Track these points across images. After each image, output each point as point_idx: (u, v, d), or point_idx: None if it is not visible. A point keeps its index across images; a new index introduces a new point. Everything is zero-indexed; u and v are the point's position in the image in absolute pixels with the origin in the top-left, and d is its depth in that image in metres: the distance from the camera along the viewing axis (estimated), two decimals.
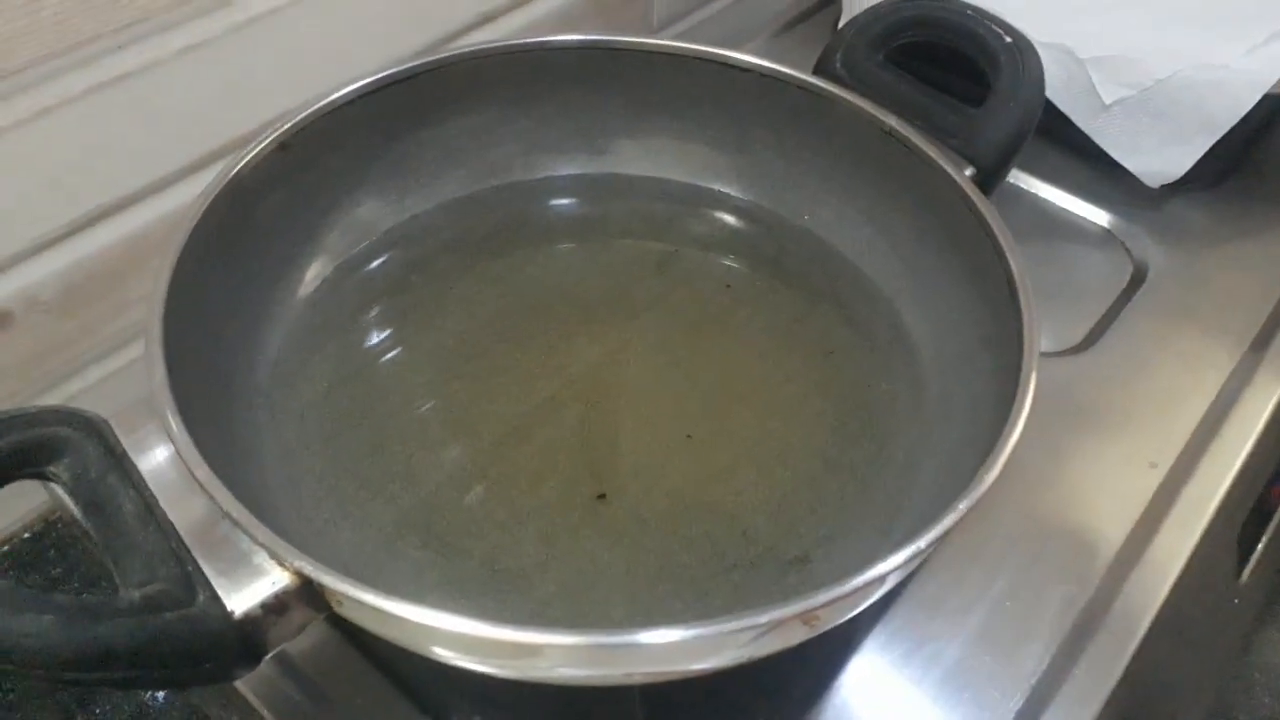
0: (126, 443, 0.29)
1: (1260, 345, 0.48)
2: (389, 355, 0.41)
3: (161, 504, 0.28)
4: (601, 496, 0.36)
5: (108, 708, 0.43)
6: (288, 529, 0.32)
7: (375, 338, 0.42)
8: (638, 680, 0.29)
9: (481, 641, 0.26)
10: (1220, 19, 0.52)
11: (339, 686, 0.34)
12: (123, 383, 0.48)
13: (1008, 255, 0.36)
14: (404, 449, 0.37)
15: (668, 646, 0.26)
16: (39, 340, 0.44)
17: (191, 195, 0.46)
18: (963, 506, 0.28)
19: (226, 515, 0.27)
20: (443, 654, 0.28)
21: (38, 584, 0.47)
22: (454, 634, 0.26)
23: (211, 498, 0.27)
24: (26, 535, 0.48)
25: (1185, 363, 0.47)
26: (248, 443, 0.35)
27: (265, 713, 0.33)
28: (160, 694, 0.43)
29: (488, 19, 0.56)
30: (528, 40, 0.44)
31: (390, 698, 0.34)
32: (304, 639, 0.29)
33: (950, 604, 0.38)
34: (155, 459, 0.29)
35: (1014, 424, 0.30)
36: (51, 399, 0.46)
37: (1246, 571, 0.50)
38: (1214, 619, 0.48)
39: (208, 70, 0.44)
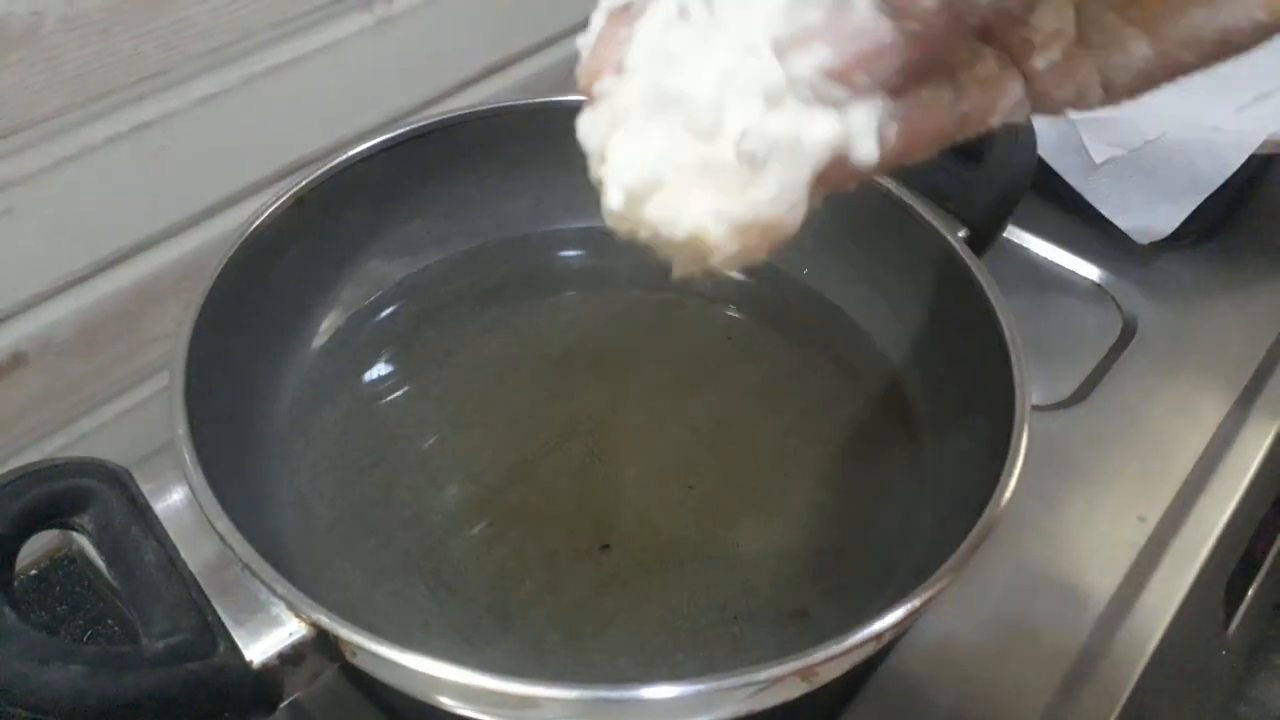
0: (147, 490, 0.30)
1: (1247, 400, 0.49)
2: (399, 404, 0.42)
3: (181, 553, 0.29)
4: (605, 547, 0.37)
5: None
6: (300, 575, 0.33)
7: (386, 387, 0.43)
8: None
9: (487, 693, 0.27)
10: (1208, 80, 0.53)
11: None
12: (135, 422, 0.49)
13: (999, 316, 0.37)
14: (412, 497, 0.38)
15: (669, 701, 0.27)
16: (53, 381, 0.45)
17: (205, 240, 0.47)
18: (956, 565, 0.29)
19: (246, 567, 0.28)
20: (451, 704, 0.29)
21: (43, 621, 0.47)
22: (461, 685, 0.27)
23: (232, 549, 0.28)
24: (34, 572, 0.48)
25: (1174, 417, 0.48)
26: (263, 490, 0.36)
27: None
28: None
29: (496, 69, 0.57)
30: (538, 100, 0.45)
31: None
32: (314, 685, 0.30)
33: (943, 654, 0.39)
34: (174, 504, 0.30)
35: (1005, 485, 0.31)
36: (63, 438, 0.47)
37: (1234, 623, 0.51)
38: (1202, 670, 0.49)
39: (223, 121, 0.45)
